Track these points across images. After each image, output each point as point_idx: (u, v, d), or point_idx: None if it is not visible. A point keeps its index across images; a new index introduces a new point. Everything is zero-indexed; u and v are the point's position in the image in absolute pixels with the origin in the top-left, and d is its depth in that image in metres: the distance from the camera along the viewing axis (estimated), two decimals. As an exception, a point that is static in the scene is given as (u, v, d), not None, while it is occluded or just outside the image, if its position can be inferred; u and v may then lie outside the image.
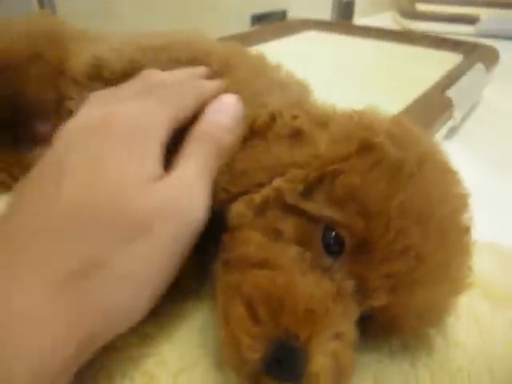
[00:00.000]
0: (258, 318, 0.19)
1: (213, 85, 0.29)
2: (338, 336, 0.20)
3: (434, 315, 0.24)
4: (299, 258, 0.21)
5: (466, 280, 0.23)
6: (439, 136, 0.66)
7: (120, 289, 0.20)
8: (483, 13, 1.53)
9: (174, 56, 0.32)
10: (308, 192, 0.22)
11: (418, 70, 0.94)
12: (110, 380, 0.22)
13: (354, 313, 0.21)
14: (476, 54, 0.97)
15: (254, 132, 0.26)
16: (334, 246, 0.21)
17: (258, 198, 0.23)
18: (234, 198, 0.24)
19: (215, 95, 0.28)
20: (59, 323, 0.18)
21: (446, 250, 0.22)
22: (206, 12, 1.17)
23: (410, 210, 0.21)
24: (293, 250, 0.21)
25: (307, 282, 0.20)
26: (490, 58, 1.00)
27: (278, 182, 0.23)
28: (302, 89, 0.34)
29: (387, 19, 1.78)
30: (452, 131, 0.72)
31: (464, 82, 0.73)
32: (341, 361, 0.20)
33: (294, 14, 1.44)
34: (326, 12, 1.61)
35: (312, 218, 0.22)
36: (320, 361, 0.19)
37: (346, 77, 0.91)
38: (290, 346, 0.19)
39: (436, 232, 0.21)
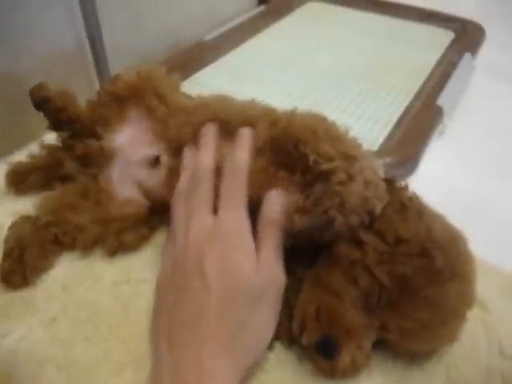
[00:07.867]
0: (321, 320, 0.33)
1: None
2: (359, 347, 0.33)
3: (432, 348, 0.36)
4: (357, 299, 0.33)
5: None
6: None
7: (257, 336, 0.33)
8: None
9: None
10: (380, 260, 0.33)
11: (416, 55, 1.00)
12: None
13: (372, 337, 0.33)
14: (465, 37, 1.01)
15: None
16: (378, 299, 0.33)
17: (358, 253, 0.33)
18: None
19: None
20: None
21: (444, 328, 0.33)
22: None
23: (428, 302, 0.32)
24: (356, 293, 0.33)
25: (354, 314, 0.33)
26: (477, 38, 1.05)
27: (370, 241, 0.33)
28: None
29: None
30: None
31: (452, 84, 0.79)
32: (357, 360, 0.33)
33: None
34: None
35: (375, 278, 0.32)
36: (344, 356, 0.32)
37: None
38: (332, 342, 0.32)
39: (443, 314, 0.32)
